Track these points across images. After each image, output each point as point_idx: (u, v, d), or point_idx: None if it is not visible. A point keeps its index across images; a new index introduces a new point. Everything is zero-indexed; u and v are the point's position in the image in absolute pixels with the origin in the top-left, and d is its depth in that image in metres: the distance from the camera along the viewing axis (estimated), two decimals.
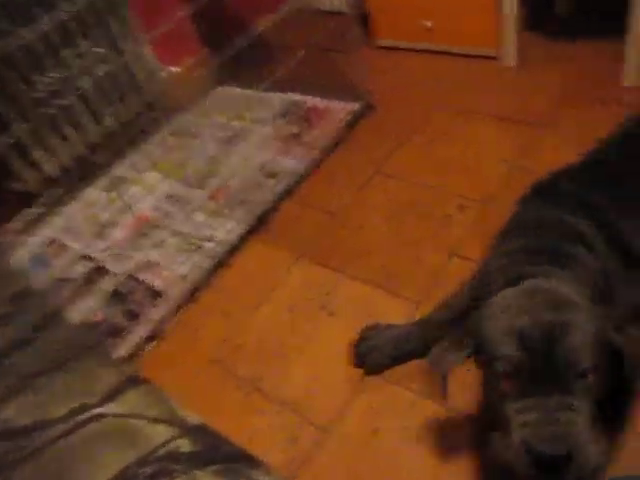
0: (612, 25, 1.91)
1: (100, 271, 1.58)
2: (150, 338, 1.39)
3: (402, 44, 2.23)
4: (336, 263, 1.45)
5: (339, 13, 1.85)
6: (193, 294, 1.47)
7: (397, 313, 1.28)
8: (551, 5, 2.14)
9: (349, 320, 1.30)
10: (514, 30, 1.90)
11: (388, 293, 1.33)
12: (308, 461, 1.08)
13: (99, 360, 0.77)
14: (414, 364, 1.17)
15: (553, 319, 0.78)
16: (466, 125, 1.77)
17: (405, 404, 1.12)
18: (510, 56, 1.96)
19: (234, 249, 1.56)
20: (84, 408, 0.65)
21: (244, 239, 1.59)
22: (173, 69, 2.14)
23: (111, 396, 0.68)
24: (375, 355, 1.19)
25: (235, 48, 1.53)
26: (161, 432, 0.65)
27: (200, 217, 1.56)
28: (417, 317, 1.25)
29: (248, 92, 1.87)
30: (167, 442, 0.63)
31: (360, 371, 1.20)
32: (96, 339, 1.29)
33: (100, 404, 0.66)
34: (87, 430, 0.62)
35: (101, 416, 0.65)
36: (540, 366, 0.76)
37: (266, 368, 1.26)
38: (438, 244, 1.41)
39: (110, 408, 0.66)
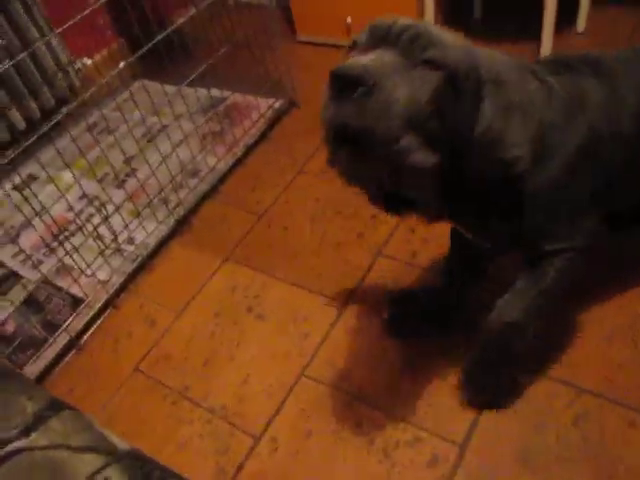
0: (525, 23, 1.99)
1: (11, 278, 1.49)
2: (69, 349, 1.32)
3: (324, 40, 2.23)
4: (263, 265, 1.43)
5: (263, 7, 1.82)
6: (114, 300, 1.42)
7: (325, 314, 1.29)
8: (469, 8, 2.20)
9: (277, 323, 1.30)
10: None
11: (316, 294, 1.33)
12: (240, 470, 1.07)
13: (12, 386, 0.72)
14: (348, 366, 1.18)
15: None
16: None
17: (338, 406, 1.13)
18: None
19: (156, 252, 1.52)
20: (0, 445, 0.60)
21: (166, 241, 1.54)
22: (87, 61, 2.04)
23: (30, 427, 0.63)
24: (409, 323, 1.21)
25: (153, 41, 1.47)
26: (89, 462, 0.61)
27: (119, 219, 1.50)
28: (343, 318, 1.26)
29: (168, 87, 1.80)
30: (96, 473, 0.60)
31: (291, 373, 1.19)
32: (7, 358, 1.23)
33: (18, 437, 0.62)
34: (6, 469, 0.58)
35: (21, 451, 0.60)
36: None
37: (194, 376, 1.23)
38: (364, 244, 1.42)
39: (30, 441, 0.62)
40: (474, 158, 0.74)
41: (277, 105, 1.89)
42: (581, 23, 2.01)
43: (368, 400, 1.12)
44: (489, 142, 0.74)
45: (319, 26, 2.20)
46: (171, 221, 1.56)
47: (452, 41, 0.70)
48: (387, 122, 0.64)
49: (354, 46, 0.74)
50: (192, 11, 1.54)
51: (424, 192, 0.77)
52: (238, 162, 1.74)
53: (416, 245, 1.39)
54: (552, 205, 0.86)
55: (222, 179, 1.70)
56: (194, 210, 1.62)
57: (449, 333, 1.19)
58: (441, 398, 1.10)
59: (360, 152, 0.67)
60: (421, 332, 1.20)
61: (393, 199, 0.80)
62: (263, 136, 1.82)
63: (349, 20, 2.10)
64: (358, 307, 1.29)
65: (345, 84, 0.64)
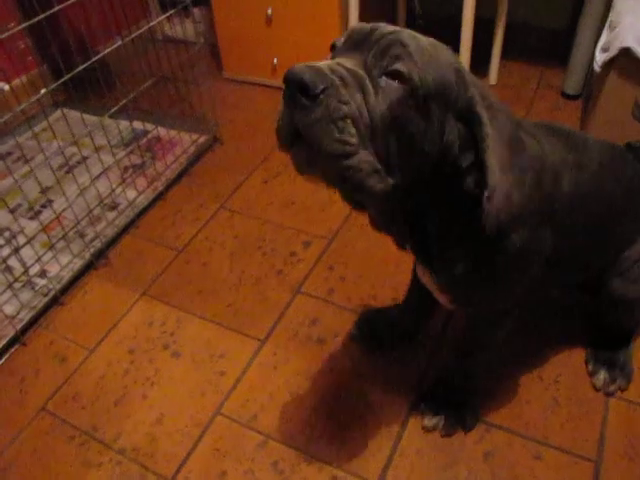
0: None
1: None
2: None
3: (250, 78, 2.27)
4: (181, 301, 1.42)
5: (191, 43, 1.84)
6: (22, 336, 1.36)
7: (242, 352, 1.29)
8: None
9: (194, 360, 1.28)
10: None
11: (233, 332, 1.33)
12: None
13: None
14: (264, 404, 1.18)
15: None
16: None
17: (253, 445, 1.12)
18: None
19: (70, 286, 1.47)
20: None
21: (81, 275, 1.50)
22: (4, 86, 1.98)
23: None
24: (369, 340, 1.26)
25: (75, 70, 1.45)
26: None
27: (31, 251, 1.45)
28: (260, 355, 1.27)
29: (91, 117, 1.78)
30: None
31: (206, 412, 1.18)
32: None
33: None
34: None
35: None
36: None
37: (104, 415, 1.19)
38: (283, 281, 1.44)
39: None
40: (450, 194, 0.72)
41: (201, 141, 1.90)
42: (493, 76, 2.16)
43: (284, 439, 1.13)
44: (476, 182, 0.69)
45: (246, 65, 2.24)
46: (87, 255, 1.52)
47: (435, 58, 0.66)
48: (330, 132, 0.60)
49: (332, 49, 0.71)
50: (117, 43, 1.53)
51: (377, 213, 0.77)
52: (159, 196, 1.73)
53: (333, 283, 1.42)
54: (518, 266, 0.85)
55: (142, 213, 1.68)
56: (111, 244, 1.59)
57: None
58: (356, 437, 1.12)
59: (312, 155, 0.63)
60: (385, 346, 1.26)
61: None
62: (185, 171, 1.82)
63: (275, 61, 2.16)
64: (275, 344, 1.30)
65: (296, 88, 0.60)
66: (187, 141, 1.87)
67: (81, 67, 1.46)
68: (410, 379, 1.21)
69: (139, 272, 1.51)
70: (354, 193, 0.70)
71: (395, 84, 0.63)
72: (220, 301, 1.41)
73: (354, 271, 1.45)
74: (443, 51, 0.68)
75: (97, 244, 1.55)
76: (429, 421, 1.11)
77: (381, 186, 0.66)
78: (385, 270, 1.44)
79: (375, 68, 0.64)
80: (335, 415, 1.16)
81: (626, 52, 1.36)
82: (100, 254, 1.55)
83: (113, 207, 1.68)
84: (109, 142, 1.62)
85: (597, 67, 1.47)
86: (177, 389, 1.23)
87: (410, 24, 2.19)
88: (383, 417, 1.15)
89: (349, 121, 0.61)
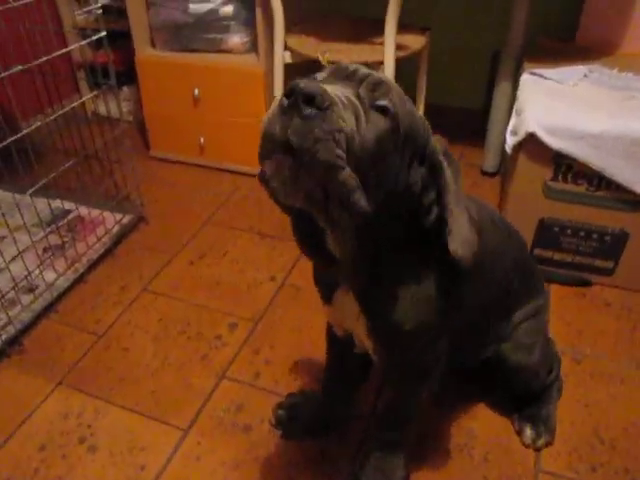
0: None
1: None
2: None
3: (176, 157, 2.27)
4: (99, 390, 1.34)
5: (117, 121, 1.83)
6: None
7: (164, 443, 1.22)
8: None
9: (112, 454, 1.20)
10: None
11: (156, 421, 1.27)
12: None
13: None
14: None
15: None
16: (236, 241, 1.83)
17: None
18: None
19: None
20: None
21: None
22: None
23: None
24: (294, 428, 1.23)
25: None
26: None
27: None
28: (183, 446, 1.21)
29: (8, 195, 1.72)
30: None
31: None
32: None
33: None
34: None
35: None
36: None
37: None
38: (207, 366, 1.39)
39: None
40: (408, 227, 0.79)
41: (125, 220, 1.86)
42: None
43: None
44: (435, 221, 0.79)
45: (173, 144, 2.25)
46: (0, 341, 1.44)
47: (410, 107, 0.73)
48: (328, 144, 0.62)
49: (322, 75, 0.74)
50: (36, 124, 1.50)
51: (340, 241, 0.78)
52: (80, 278, 1.67)
53: (259, 367, 1.39)
54: (448, 314, 0.91)
55: (60, 296, 1.60)
56: (26, 330, 1.50)
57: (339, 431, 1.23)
58: None
59: (298, 169, 0.64)
60: (308, 432, 1.23)
61: (310, 238, 0.81)
62: (108, 252, 1.77)
63: (202, 140, 2.18)
64: (200, 433, 1.24)
65: (302, 98, 0.61)
66: (110, 221, 1.83)
67: (3, 142, 1.42)
68: (342, 463, 1.18)
69: (56, 359, 1.43)
70: (334, 212, 0.69)
71: (381, 117, 0.68)
72: (141, 388, 1.34)
73: (281, 353, 1.42)
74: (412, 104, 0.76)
75: (10, 330, 1.47)
76: None
77: (364, 204, 0.68)
78: (313, 351, 1.42)
79: (366, 99, 0.68)
80: None
81: (531, 136, 1.45)
82: (14, 340, 1.46)
83: (30, 290, 1.60)
84: (25, 222, 1.56)
85: (508, 149, 1.56)
86: None
87: None
88: None
89: (344, 138, 0.64)
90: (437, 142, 0.78)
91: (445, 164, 0.77)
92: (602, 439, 1.23)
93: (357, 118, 0.66)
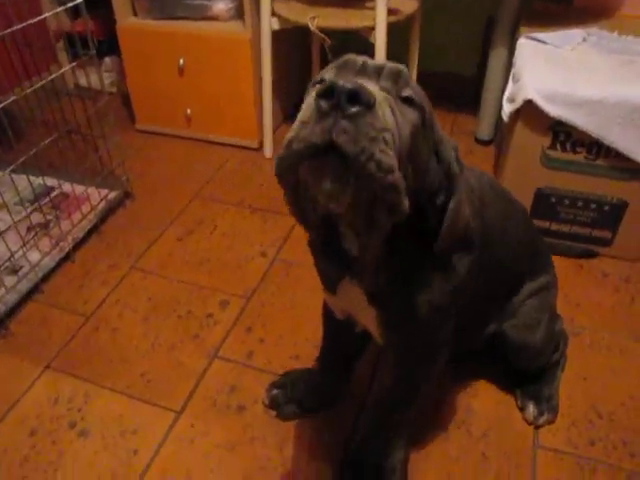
0: None
1: None
2: None
3: (163, 130, 2.21)
4: (89, 373, 1.31)
5: (100, 93, 1.76)
6: None
7: (156, 426, 1.19)
8: None
9: (103, 439, 1.18)
10: (271, 125, 1.99)
11: (147, 404, 1.24)
12: None
13: None
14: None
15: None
16: (225, 216, 1.78)
17: None
18: (268, 148, 2.05)
19: None
20: None
21: None
22: None
23: None
24: (289, 407, 1.20)
25: None
26: None
27: None
28: (176, 428, 1.18)
29: None
30: None
31: None
32: None
33: None
34: None
35: None
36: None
37: None
38: (199, 346, 1.36)
39: None
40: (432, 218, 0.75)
41: (111, 196, 1.81)
42: None
43: None
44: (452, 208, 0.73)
45: (158, 116, 2.18)
46: None
47: (422, 91, 0.70)
48: (378, 143, 0.57)
49: (320, 82, 0.67)
50: (12, 97, 1.43)
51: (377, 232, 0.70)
52: (65, 258, 1.62)
53: (252, 345, 1.36)
54: (455, 297, 0.88)
55: (46, 277, 1.56)
56: (12, 312, 1.46)
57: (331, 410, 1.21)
58: None
59: (347, 173, 0.58)
60: (303, 411, 1.20)
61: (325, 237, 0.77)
62: (94, 229, 1.72)
63: (189, 112, 2.11)
64: (192, 415, 1.21)
65: (344, 98, 0.55)
66: (96, 197, 1.78)
67: None
68: (336, 443, 1.16)
69: (43, 342, 1.39)
70: (379, 216, 0.64)
71: (410, 109, 0.65)
72: (132, 370, 1.31)
73: (274, 331, 1.39)
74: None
75: None
76: None
77: (406, 208, 0.63)
78: (306, 328, 1.40)
79: (393, 92, 0.64)
80: None
81: (529, 103, 1.40)
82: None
83: (14, 271, 1.55)
84: (4, 201, 1.50)
85: (505, 117, 1.51)
86: (84, 473, 1.12)
87: None
88: None
89: (391, 137, 0.59)
90: (451, 146, 0.75)
91: (458, 171, 0.74)
92: (600, 413, 1.21)
93: (393, 113, 0.61)
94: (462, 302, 0.90)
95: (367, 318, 0.90)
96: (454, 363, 1.21)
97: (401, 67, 0.66)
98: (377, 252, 0.76)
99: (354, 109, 0.55)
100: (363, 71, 0.66)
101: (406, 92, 0.65)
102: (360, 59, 0.67)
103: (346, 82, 0.55)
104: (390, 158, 0.58)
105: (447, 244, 0.76)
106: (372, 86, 0.62)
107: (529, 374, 1.23)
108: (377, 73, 0.65)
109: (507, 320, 1.11)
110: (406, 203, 0.62)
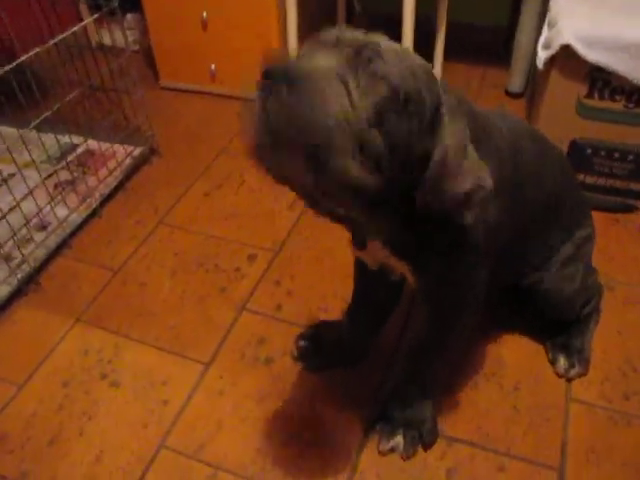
0: None
1: None
2: None
3: (187, 86, 2.18)
4: (118, 326, 1.32)
5: (123, 50, 1.74)
6: None
7: (186, 377, 1.20)
8: None
9: (134, 390, 1.19)
10: None
11: (176, 356, 1.25)
12: None
13: None
14: (212, 433, 1.10)
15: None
16: (252, 170, 1.75)
17: (201, 479, 1.04)
18: None
19: None
20: None
21: (8, 303, 1.39)
22: None
23: None
24: (317, 359, 1.20)
25: None
26: None
27: None
28: (205, 380, 1.19)
29: (13, 131, 1.65)
30: None
31: (150, 445, 1.09)
32: None
33: None
34: None
35: None
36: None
37: (36, 458, 1.09)
38: (227, 299, 1.36)
39: None
40: (429, 190, 0.69)
41: (136, 153, 1.80)
42: (436, 76, 2.13)
43: (235, 470, 1.05)
44: (447, 173, 0.69)
45: (182, 72, 2.15)
46: (14, 280, 1.41)
47: (409, 62, 0.66)
48: (318, 126, 0.58)
49: (303, 48, 0.68)
50: (35, 50, 1.42)
51: (353, 210, 0.72)
52: (92, 214, 1.62)
53: (281, 298, 1.35)
54: (482, 247, 0.86)
55: (74, 232, 1.57)
56: (41, 267, 1.48)
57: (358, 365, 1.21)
58: (312, 464, 1.05)
59: (288, 155, 0.61)
60: (330, 363, 1.20)
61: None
62: (120, 186, 1.72)
63: (213, 67, 2.08)
64: (221, 367, 1.22)
65: (275, 79, 0.57)
66: (121, 154, 1.77)
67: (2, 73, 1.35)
68: (365, 396, 1.15)
69: (73, 296, 1.40)
70: (345, 195, 0.65)
71: (376, 83, 0.62)
72: (160, 324, 1.32)
73: (302, 284, 1.39)
74: (412, 54, 0.69)
75: (25, 268, 1.44)
76: (385, 445, 1.05)
77: (370, 182, 0.64)
78: (335, 280, 1.38)
79: (355, 66, 0.62)
80: (288, 441, 1.09)
81: (566, 49, 1.34)
82: (30, 279, 1.44)
83: (43, 227, 1.57)
84: (32, 158, 1.51)
85: (540, 64, 1.45)
86: (117, 422, 1.14)
87: (350, 23, 2.14)
88: (339, 440, 1.09)
89: (337, 115, 0.58)
90: (444, 90, 0.69)
91: (447, 119, 0.68)
92: (635, 367, 1.19)
93: (347, 89, 0.60)
94: (495, 246, 0.88)
95: (399, 266, 0.89)
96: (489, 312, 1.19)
97: (371, 41, 0.64)
98: (381, 222, 0.76)
99: (285, 92, 0.57)
100: (335, 44, 0.64)
101: (372, 67, 0.62)
102: (336, 32, 0.65)
103: (280, 65, 0.57)
104: (321, 140, 0.58)
105: (438, 204, 0.70)
106: (331, 61, 0.61)
107: (560, 325, 1.21)
108: (348, 46, 0.63)
109: (544, 269, 1.08)
110: (370, 178, 0.63)
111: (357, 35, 0.65)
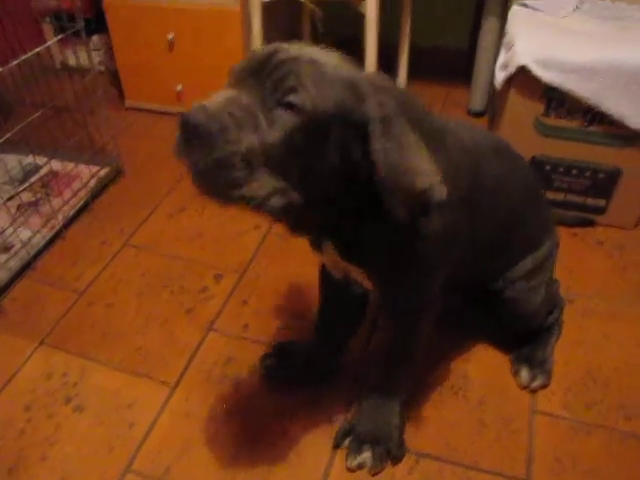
0: None
1: None
2: None
3: (152, 106, 2.18)
4: (83, 348, 1.30)
5: (88, 70, 1.73)
6: None
7: (152, 399, 1.19)
8: None
9: (99, 413, 1.17)
10: None
11: (143, 378, 1.24)
12: None
13: None
14: (178, 455, 1.09)
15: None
16: None
17: None
18: None
19: None
20: None
21: None
22: None
23: None
24: (284, 377, 1.20)
25: None
26: None
27: None
28: (171, 402, 1.18)
29: None
30: None
31: (115, 470, 1.07)
32: None
33: None
34: None
35: None
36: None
37: None
38: (194, 320, 1.36)
39: None
40: (386, 190, 0.71)
41: (102, 173, 1.79)
42: None
43: None
44: (390, 179, 0.71)
45: (148, 93, 2.16)
46: None
47: (332, 81, 0.68)
48: (217, 170, 0.65)
49: (231, 72, 0.73)
50: (6, 68, 1.40)
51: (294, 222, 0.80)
52: (57, 235, 1.61)
53: (247, 318, 1.35)
54: (434, 256, 0.88)
55: (38, 254, 1.55)
56: (5, 289, 1.45)
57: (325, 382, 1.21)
58: None
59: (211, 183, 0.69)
60: (298, 381, 1.20)
61: None
62: (85, 207, 1.70)
63: (179, 88, 2.08)
64: (187, 388, 1.21)
65: (188, 131, 0.65)
66: (86, 174, 1.76)
67: None
68: (333, 412, 1.16)
69: (36, 319, 1.38)
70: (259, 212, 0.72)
71: (288, 114, 0.66)
72: (126, 345, 1.31)
73: (269, 303, 1.39)
74: (343, 68, 0.70)
75: None
76: (352, 461, 1.05)
77: (281, 203, 0.69)
78: (302, 299, 1.39)
79: (269, 100, 0.67)
80: (257, 461, 1.08)
81: (523, 70, 1.39)
82: None
83: (5, 249, 1.54)
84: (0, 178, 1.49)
85: (498, 85, 1.50)
86: (81, 447, 1.12)
87: (314, 41, 2.18)
88: (308, 458, 1.09)
89: (237, 157, 0.65)
90: (378, 102, 0.70)
91: (378, 131, 0.69)
92: (595, 378, 1.22)
93: (257, 125, 0.66)
94: (450, 256, 0.91)
95: (357, 274, 0.91)
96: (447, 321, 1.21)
97: (293, 67, 0.67)
98: (314, 223, 0.81)
99: (195, 140, 0.64)
100: (258, 72, 0.69)
101: (287, 98, 0.66)
102: (264, 54, 0.69)
103: (188, 116, 0.64)
104: (228, 178, 0.66)
105: (400, 205, 0.72)
106: (244, 98, 0.67)
107: (523, 337, 1.23)
108: (268, 75, 0.68)
109: (509, 279, 1.10)
110: (275, 202, 0.69)
111: (285, 58, 0.68)
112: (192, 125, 0.64)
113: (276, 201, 0.69)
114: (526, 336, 1.23)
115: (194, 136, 0.64)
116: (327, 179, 0.72)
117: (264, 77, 0.68)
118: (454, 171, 0.83)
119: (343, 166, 0.71)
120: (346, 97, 0.68)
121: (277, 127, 0.66)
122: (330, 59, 0.70)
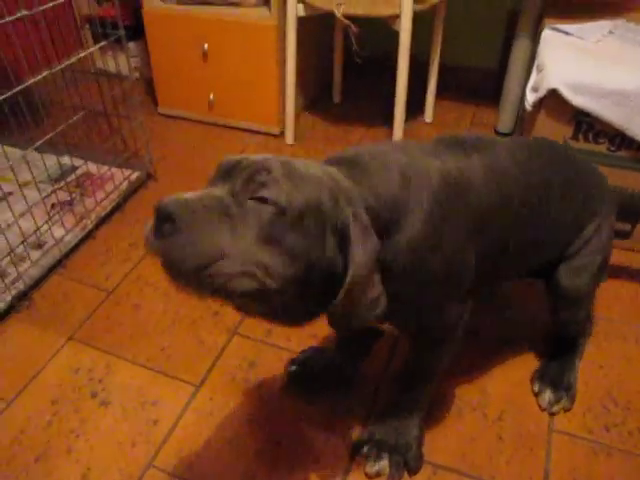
0: (379, 110, 2.14)
1: None
2: None
3: (185, 114, 2.23)
4: (110, 345, 1.34)
5: (124, 77, 1.79)
6: None
7: (176, 398, 1.22)
8: (329, 93, 2.34)
9: (124, 409, 1.20)
10: (293, 112, 2.01)
11: (167, 377, 1.26)
12: None
13: None
14: (200, 453, 1.11)
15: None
16: None
17: None
18: (290, 135, 2.07)
19: None
20: None
21: (2, 318, 1.40)
22: None
23: None
24: (306, 383, 1.22)
25: None
26: None
27: None
28: (195, 401, 1.20)
29: (14, 151, 1.68)
30: None
31: (137, 464, 1.10)
32: None
33: None
34: None
35: None
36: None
37: (23, 475, 1.09)
38: (219, 323, 1.38)
39: None
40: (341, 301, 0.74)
41: (133, 177, 1.84)
42: (428, 114, 2.20)
43: None
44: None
45: (181, 101, 2.21)
46: (8, 297, 1.42)
47: (306, 180, 0.71)
48: (184, 257, 0.65)
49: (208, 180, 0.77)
50: (44, 73, 1.46)
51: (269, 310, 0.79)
52: (88, 235, 1.65)
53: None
54: (445, 287, 0.90)
55: (69, 252, 1.59)
56: (36, 285, 1.49)
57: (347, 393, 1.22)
58: None
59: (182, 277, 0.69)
60: (320, 389, 1.22)
61: None
62: (117, 208, 1.75)
63: (212, 97, 2.13)
64: (211, 389, 1.23)
65: (161, 217, 0.65)
66: (119, 177, 1.80)
67: (6, 96, 1.39)
68: (353, 419, 1.17)
69: (65, 315, 1.42)
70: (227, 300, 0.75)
71: (262, 206, 0.68)
72: (153, 345, 1.34)
73: None
74: (317, 172, 0.74)
75: (19, 286, 1.46)
76: (371, 467, 1.07)
77: (252, 286, 0.68)
78: None
79: (242, 194, 0.69)
80: (276, 464, 1.10)
81: (553, 93, 1.41)
82: (23, 296, 1.45)
83: (39, 246, 1.58)
84: (33, 178, 1.54)
85: (528, 106, 1.51)
86: (105, 441, 1.15)
87: (347, 62, 2.22)
88: (326, 463, 1.10)
89: (207, 244, 0.65)
90: (353, 211, 0.74)
91: (356, 237, 0.73)
92: (616, 400, 1.22)
93: (229, 216, 0.67)
94: (468, 281, 0.92)
95: None
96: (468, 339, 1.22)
97: (262, 167, 0.70)
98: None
99: (167, 231, 0.64)
100: (230, 172, 0.72)
101: (260, 192, 0.68)
102: (236, 158, 0.74)
103: (161, 204, 0.64)
104: (196, 266, 0.65)
105: (340, 317, 0.77)
106: (219, 192, 0.69)
107: (561, 337, 1.26)
108: (239, 174, 0.71)
109: (564, 263, 1.11)
110: (246, 286, 0.68)
111: (255, 160, 0.72)
112: (164, 210, 0.64)
113: (246, 283, 0.68)
114: (564, 342, 1.25)
115: (166, 223, 0.64)
116: (305, 266, 0.72)
117: (236, 176, 0.71)
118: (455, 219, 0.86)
119: (321, 258, 0.72)
120: (324, 196, 0.72)
121: (251, 217, 0.68)
122: (299, 161, 0.75)
